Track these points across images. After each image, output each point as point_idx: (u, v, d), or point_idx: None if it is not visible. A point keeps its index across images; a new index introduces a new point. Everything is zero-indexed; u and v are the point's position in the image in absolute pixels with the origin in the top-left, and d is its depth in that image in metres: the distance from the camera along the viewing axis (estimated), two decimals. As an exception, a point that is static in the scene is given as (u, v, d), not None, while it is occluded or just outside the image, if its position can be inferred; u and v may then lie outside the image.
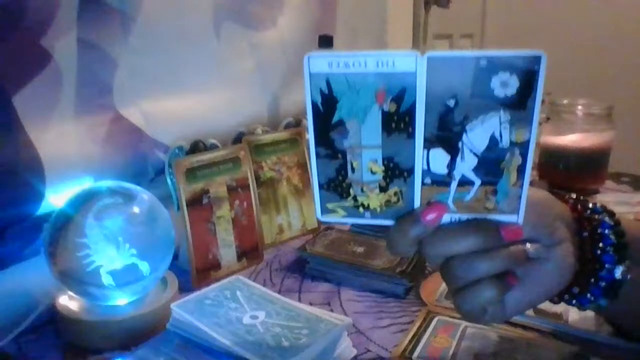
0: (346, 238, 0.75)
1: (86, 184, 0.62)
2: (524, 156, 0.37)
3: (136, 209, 0.56)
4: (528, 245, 0.41)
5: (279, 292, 0.64)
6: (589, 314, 0.57)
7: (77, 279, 0.53)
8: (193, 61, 0.79)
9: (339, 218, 0.41)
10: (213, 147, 0.73)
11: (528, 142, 0.36)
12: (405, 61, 0.35)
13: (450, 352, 0.51)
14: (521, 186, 0.37)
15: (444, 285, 0.65)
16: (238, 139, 0.78)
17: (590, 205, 0.47)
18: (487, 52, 0.35)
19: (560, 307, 0.58)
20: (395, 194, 0.39)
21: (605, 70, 2.21)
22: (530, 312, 0.57)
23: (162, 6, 0.72)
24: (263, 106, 0.95)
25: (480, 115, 0.36)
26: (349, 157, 0.39)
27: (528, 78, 0.35)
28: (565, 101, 1.02)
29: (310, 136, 0.39)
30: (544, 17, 2.35)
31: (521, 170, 0.37)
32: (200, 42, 0.81)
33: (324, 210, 0.41)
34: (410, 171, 0.38)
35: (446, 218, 0.39)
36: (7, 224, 0.57)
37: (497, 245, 0.39)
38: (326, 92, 0.37)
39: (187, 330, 0.51)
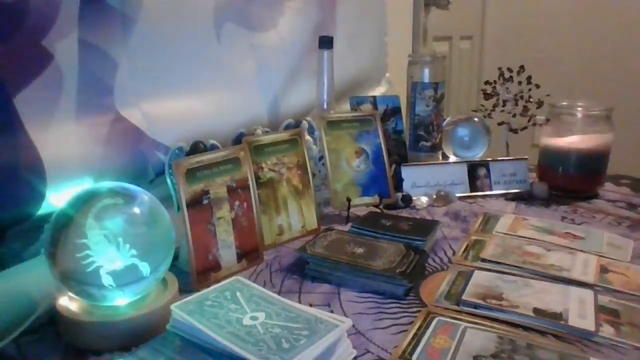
0: (346, 239, 0.75)
1: (86, 184, 0.62)
2: None
3: (136, 210, 0.56)
4: None
5: (279, 293, 0.64)
6: (589, 313, 0.58)
7: (77, 279, 0.53)
8: (193, 62, 0.80)
9: None
10: (213, 148, 0.73)
11: None
12: None
13: (450, 353, 0.51)
14: None
15: (443, 285, 0.65)
16: (238, 139, 0.79)
17: None
18: None
19: (560, 307, 0.59)
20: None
21: (604, 72, 2.21)
22: (530, 312, 0.58)
23: (162, 7, 0.72)
24: (263, 107, 0.95)
25: None
26: None
27: None
28: (564, 103, 1.03)
29: None
30: (543, 20, 2.35)
31: None
32: (201, 43, 0.81)
33: None
34: None
35: None
36: (8, 225, 0.58)
37: None
38: None
39: (187, 331, 0.51)
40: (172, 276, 0.62)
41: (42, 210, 0.59)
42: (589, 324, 0.56)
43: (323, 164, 0.90)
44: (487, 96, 1.12)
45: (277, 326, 0.50)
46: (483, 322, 0.57)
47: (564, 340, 0.54)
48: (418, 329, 0.55)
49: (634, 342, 0.53)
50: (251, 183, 0.74)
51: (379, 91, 1.40)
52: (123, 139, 0.69)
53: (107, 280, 0.53)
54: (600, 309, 0.59)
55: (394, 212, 0.92)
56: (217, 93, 0.84)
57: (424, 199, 0.97)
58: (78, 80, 0.62)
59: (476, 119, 1.15)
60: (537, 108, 1.07)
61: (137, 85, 0.70)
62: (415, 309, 0.61)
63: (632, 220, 0.89)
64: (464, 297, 0.61)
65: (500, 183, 1.03)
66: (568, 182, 1.01)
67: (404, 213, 0.93)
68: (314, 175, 0.86)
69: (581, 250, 0.75)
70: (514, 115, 1.09)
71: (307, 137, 0.87)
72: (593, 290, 0.63)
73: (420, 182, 1.00)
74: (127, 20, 0.67)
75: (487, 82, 1.12)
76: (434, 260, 0.74)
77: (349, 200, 0.88)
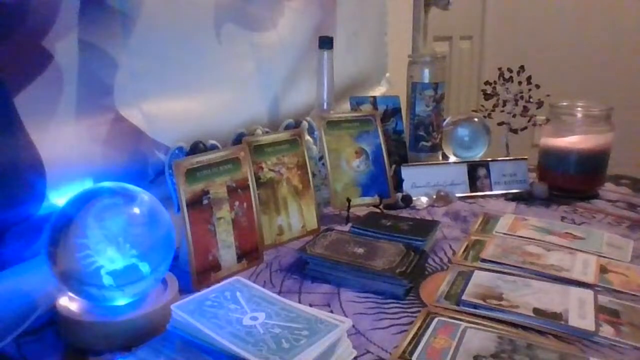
0: (346, 239, 0.75)
1: (87, 184, 0.62)
2: None
3: (136, 210, 0.56)
4: None
5: (279, 293, 0.64)
6: (589, 313, 0.58)
7: (77, 279, 0.53)
8: (194, 62, 0.80)
9: None
10: (213, 148, 0.73)
11: None
12: None
13: (450, 353, 0.51)
14: None
15: (443, 285, 0.65)
16: (238, 139, 0.79)
17: None
18: None
19: (560, 307, 0.59)
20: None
21: (604, 71, 2.21)
22: (530, 312, 0.58)
23: (162, 7, 0.72)
24: (263, 107, 0.95)
25: None
26: None
27: None
28: (564, 103, 1.03)
29: None
30: (543, 20, 2.35)
31: None
32: (201, 43, 0.81)
33: None
34: None
35: None
36: (8, 225, 0.57)
37: None
38: None
39: (187, 331, 0.51)
40: (172, 276, 0.62)
41: (42, 210, 0.59)
42: (589, 324, 0.56)
43: (323, 164, 0.90)
44: (487, 96, 1.12)
45: (277, 326, 0.50)
46: (483, 322, 0.57)
47: (564, 340, 0.54)
48: (418, 329, 0.55)
49: (634, 342, 0.53)
50: (251, 183, 0.74)
51: (379, 91, 1.40)
52: (123, 139, 0.69)
53: (107, 280, 0.53)
54: (600, 309, 0.59)
55: (394, 212, 0.92)
56: (217, 93, 0.84)
57: (424, 199, 0.97)
58: (78, 80, 0.62)
59: (476, 119, 1.15)
60: (537, 108, 1.07)
61: (137, 85, 0.70)
62: (415, 309, 0.61)
63: (632, 220, 0.89)
64: (464, 297, 0.61)
65: (500, 183, 1.03)
66: (568, 182, 1.01)
67: (404, 213, 0.93)
68: (314, 175, 0.86)
69: (581, 250, 0.75)
70: (514, 116, 1.09)
71: (307, 137, 0.87)
72: (593, 290, 0.63)
73: (420, 182, 1.00)
74: (127, 20, 0.67)
75: (487, 82, 1.12)
76: (434, 260, 0.74)
77: (349, 200, 0.88)
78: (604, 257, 0.73)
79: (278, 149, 0.80)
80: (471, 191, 1.02)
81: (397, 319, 0.59)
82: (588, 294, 0.62)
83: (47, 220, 0.56)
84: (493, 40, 2.45)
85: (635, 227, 0.86)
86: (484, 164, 1.03)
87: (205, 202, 0.68)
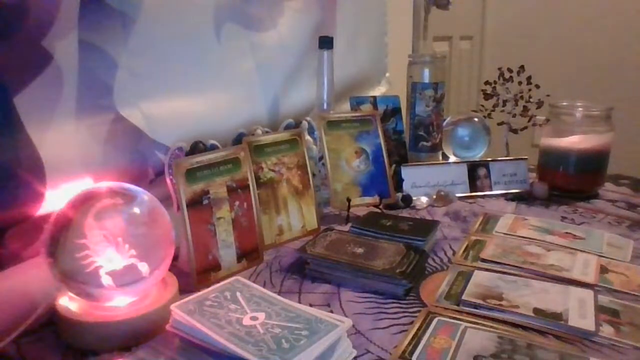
0: (346, 239, 0.75)
1: (86, 184, 0.62)
2: None
3: (136, 210, 0.56)
4: None
5: (279, 293, 0.64)
6: (589, 313, 0.58)
7: (77, 279, 0.53)
8: (193, 62, 0.80)
9: None
10: (213, 148, 0.73)
11: None
12: None
13: (450, 353, 0.51)
14: None
15: (443, 285, 0.65)
16: (238, 139, 0.79)
17: None
18: None
19: (560, 307, 0.59)
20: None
21: (604, 71, 2.21)
22: (530, 312, 0.58)
23: (162, 7, 0.72)
24: (263, 107, 0.95)
25: None
26: None
27: None
28: (564, 103, 1.03)
29: None
30: (543, 20, 2.35)
31: None
32: (201, 43, 0.81)
33: None
34: None
35: None
36: (8, 225, 0.57)
37: None
38: None
39: (187, 331, 0.51)
40: (172, 276, 0.62)
41: (42, 210, 0.59)
42: (589, 324, 0.56)
43: (323, 164, 0.90)
44: (487, 96, 1.12)
45: (277, 326, 0.50)
46: (483, 322, 0.57)
47: (564, 340, 0.54)
48: (418, 329, 0.55)
49: (634, 342, 0.53)
50: (251, 183, 0.74)
51: (379, 91, 1.40)
52: (123, 139, 0.69)
53: (106, 280, 0.53)
54: (600, 309, 0.59)
55: (394, 212, 0.92)
56: (217, 93, 0.84)
57: (424, 199, 0.97)
58: (78, 80, 0.62)
59: (476, 119, 1.15)
60: (537, 108, 1.08)
61: (137, 85, 0.70)
62: (415, 309, 0.61)
63: (632, 220, 0.89)
64: (464, 297, 0.61)
65: (500, 183, 1.03)
66: (568, 182, 1.01)
67: (404, 213, 0.93)
68: (314, 175, 0.86)
69: (581, 250, 0.75)
70: (514, 116, 1.09)
71: (307, 137, 0.87)
72: (593, 290, 0.63)
73: (420, 182, 1.00)
74: (127, 20, 0.67)
75: (487, 82, 1.12)
76: (434, 260, 0.74)
77: (349, 200, 0.88)
78: (604, 257, 0.73)
79: (278, 149, 0.80)
80: (471, 191, 1.02)
81: (397, 319, 0.59)
82: (588, 294, 0.62)
83: (47, 220, 0.56)
84: (493, 40, 2.45)
85: (635, 227, 0.86)
86: (484, 164, 1.03)
87: (205, 202, 0.67)
